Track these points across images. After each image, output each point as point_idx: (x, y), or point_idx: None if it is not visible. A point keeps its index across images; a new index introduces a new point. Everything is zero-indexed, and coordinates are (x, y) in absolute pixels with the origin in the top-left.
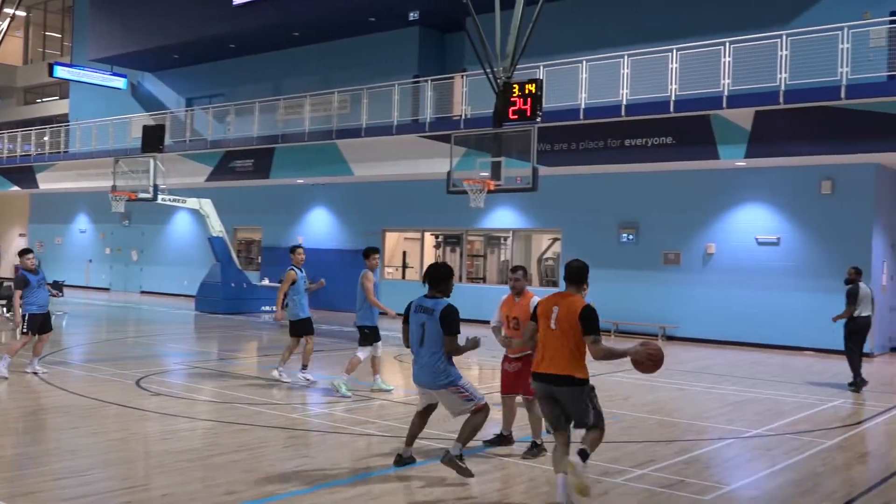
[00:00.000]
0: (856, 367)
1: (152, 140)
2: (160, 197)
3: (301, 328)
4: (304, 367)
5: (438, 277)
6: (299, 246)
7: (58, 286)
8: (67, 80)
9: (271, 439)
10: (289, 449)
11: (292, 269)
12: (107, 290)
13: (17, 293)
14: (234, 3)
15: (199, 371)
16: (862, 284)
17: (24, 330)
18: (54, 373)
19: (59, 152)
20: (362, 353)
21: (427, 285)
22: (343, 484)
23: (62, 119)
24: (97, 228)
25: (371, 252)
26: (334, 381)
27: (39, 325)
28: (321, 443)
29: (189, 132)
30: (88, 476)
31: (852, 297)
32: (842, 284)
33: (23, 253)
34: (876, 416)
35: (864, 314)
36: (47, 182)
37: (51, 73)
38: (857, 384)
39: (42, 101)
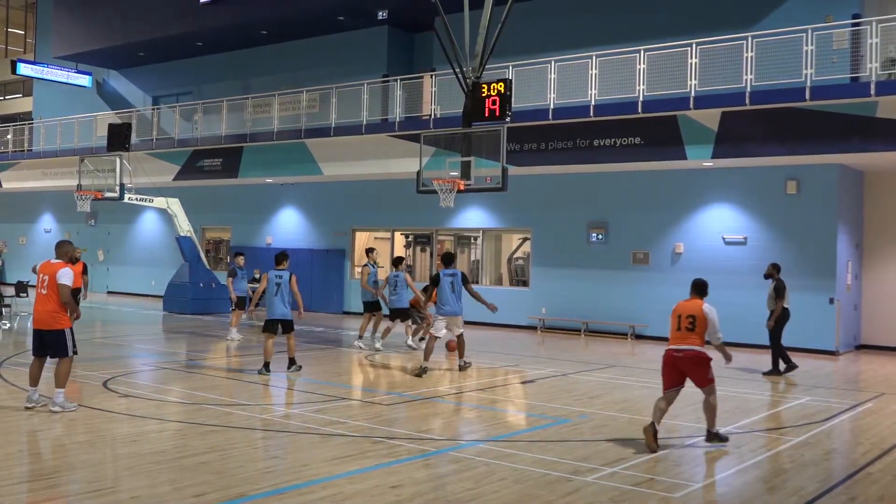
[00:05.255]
0: (783, 354)
1: (118, 138)
2: (127, 196)
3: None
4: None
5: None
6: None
7: (22, 287)
8: (31, 78)
9: (241, 440)
10: (259, 450)
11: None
12: None
13: None
14: (201, 1)
15: (168, 372)
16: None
17: None
18: (20, 374)
19: (22, 151)
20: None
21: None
22: (314, 485)
23: (26, 117)
24: (62, 228)
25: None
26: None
27: None
28: (291, 444)
29: (156, 131)
30: (55, 479)
31: (781, 291)
32: (805, 283)
33: None
34: (841, 414)
35: (787, 305)
36: (11, 181)
37: (14, 71)
38: (791, 366)
39: (5, 99)
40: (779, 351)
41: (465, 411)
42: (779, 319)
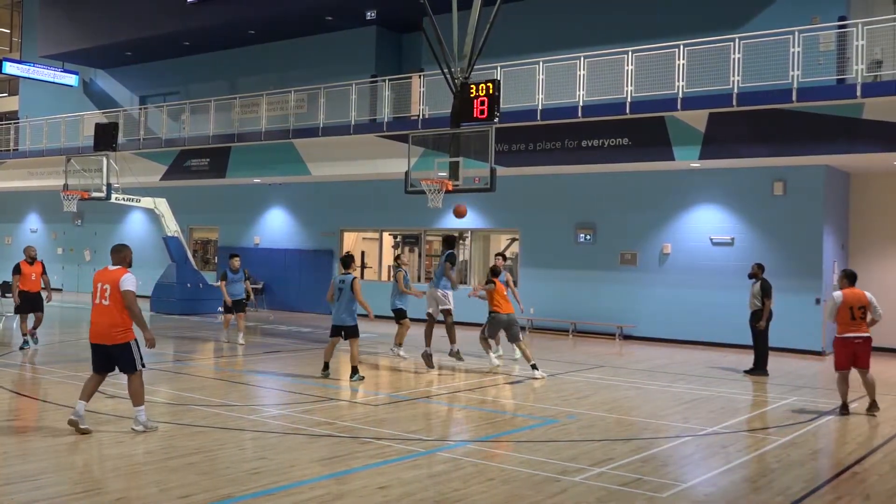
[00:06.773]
0: (766, 355)
1: (105, 138)
2: (114, 196)
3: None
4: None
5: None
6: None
7: (7, 287)
8: (17, 77)
9: (228, 441)
10: (246, 451)
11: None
12: (59, 290)
13: None
14: (188, 1)
15: (155, 373)
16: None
17: None
18: (4, 375)
19: (8, 150)
20: None
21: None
22: (302, 485)
23: (12, 116)
24: (49, 228)
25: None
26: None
27: None
28: (279, 444)
29: (143, 130)
30: (40, 480)
31: (768, 291)
32: (792, 284)
33: None
34: (827, 414)
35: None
36: None
37: None
38: (762, 370)
39: None
40: (764, 351)
41: (454, 412)
42: (768, 319)
